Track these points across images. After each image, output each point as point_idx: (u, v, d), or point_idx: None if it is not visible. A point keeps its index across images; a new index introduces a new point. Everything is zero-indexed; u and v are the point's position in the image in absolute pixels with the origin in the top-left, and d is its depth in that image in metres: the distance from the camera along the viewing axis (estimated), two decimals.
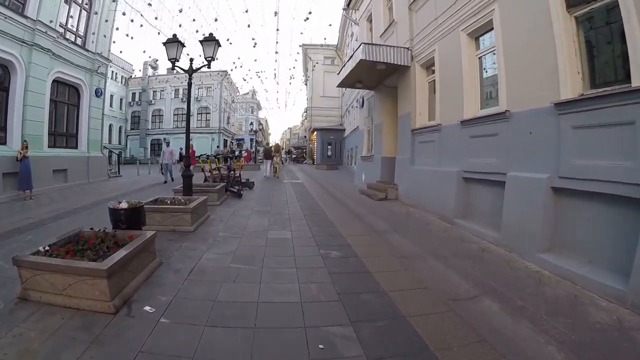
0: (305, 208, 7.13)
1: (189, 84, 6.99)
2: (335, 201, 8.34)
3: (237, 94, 47.28)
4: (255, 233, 5.06)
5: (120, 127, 42.73)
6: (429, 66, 8.10)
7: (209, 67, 6.85)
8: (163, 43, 6.78)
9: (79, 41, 13.29)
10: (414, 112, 8.29)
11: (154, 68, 42.67)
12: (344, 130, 26.32)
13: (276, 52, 14.33)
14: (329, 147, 26.60)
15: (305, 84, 37.28)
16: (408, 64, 8.50)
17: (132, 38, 12.68)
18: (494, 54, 5.44)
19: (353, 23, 22.45)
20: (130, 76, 43.56)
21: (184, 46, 6.91)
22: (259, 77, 14.13)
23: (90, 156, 13.76)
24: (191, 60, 6.87)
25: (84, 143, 13.75)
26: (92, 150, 14.09)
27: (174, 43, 6.67)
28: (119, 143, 42.63)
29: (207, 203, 6.17)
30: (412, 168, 8.20)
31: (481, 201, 5.68)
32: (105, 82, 15.15)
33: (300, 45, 27.94)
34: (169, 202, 5.74)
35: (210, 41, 6.61)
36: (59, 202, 7.88)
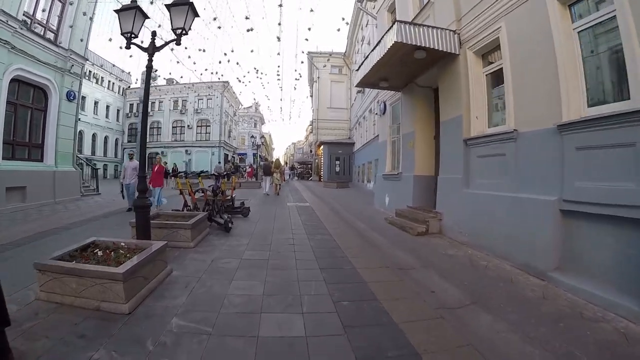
0: (320, 252, 4.78)
1: (149, 68, 4.79)
2: (359, 238, 6.01)
3: (240, 106, 45.59)
4: (238, 319, 2.72)
5: (116, 139, 40.91)
6: (486, 53, 5.96)
7: (178, 44, 4.66)
8: (115, 10, 4.62)
9: (49, 35, 11.31)
10: (467, 115, 6.08)
11: (153, 79, 41.10)
12: (354, 144, 24.18)
13: (278, 54, 12.38)
14: (337, 162, 24.41)
15: (311, 96, 35.47)
16: (455, 51, 6.32)
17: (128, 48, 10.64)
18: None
19: (363, 26, 20.70)
20: (129, 87, 42.09)
21: (147, 17, 4.76)
22: (259, 77, 12.34)
23: (57, 171, 11.56)
24: (153, 34, 4.70)
25: (50, 155, 11.57)
26: (61, 164, 11.90)
27: (130, 11, 4.52)
28: (115, 156, 40.72)
29: (165, 252, 3.85)
30: (466, 192, 5.91)
31: (598, 246, 3.47)
32: (81, 84, 13.10)
33: (306, 54, 26.14)
34: (100, 253, 3.45)
35: (180, 6, 4.44)
36: None
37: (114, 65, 40.08)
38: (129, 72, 42.55)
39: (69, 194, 12.03)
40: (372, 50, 7.18)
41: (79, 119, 34.69)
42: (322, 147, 25.96)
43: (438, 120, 8.07)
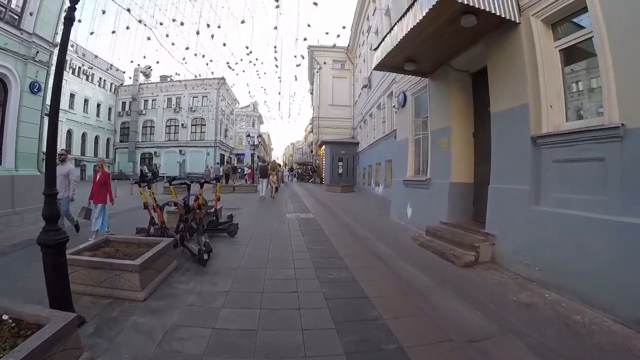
0: (340, 310, 3.06)
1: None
2: (390, 274, 4.31)
3: (237, 104, 43.85)
4: None
5: (108, 139, 39.09)
6: (559, 21, 4.32)
7: None
8: None
9: (9, 18, 9.58)
10: (536, 104, 4.41)
11: (147, 75, 39.32)
12: (358, 144, 22.48)
13: (275, 28, 10.70)
14: (340, 163, 22.71)
15: (311, 93, 33.74)
16: (514, 19, 4.63)
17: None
18: None
19: (370, 15, 18.95)
20: (121, 84, 40.29)
21: None
22: (252, 62, 10.95)
23: (17, 175, 9.80)
24: None
25: (9, 157, 9.78)
26: (23, 167, 10.10)
27: None
28: (107, 156, 38.84)
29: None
30: (536, 210, 4.24)
31: None
32: (48, 74, 11.32)
33: (306, 48, 24.42)
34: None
35: None
36: None
37: (111, 67, 38.36)
38: (123, 71, 40.92)
39: (32, 202, 10.18)
40: (400, 20, 5.45)
41: (69, 119, 33.01)
42: (323, 147, 24.25)
43: (477, 113, 6.44)
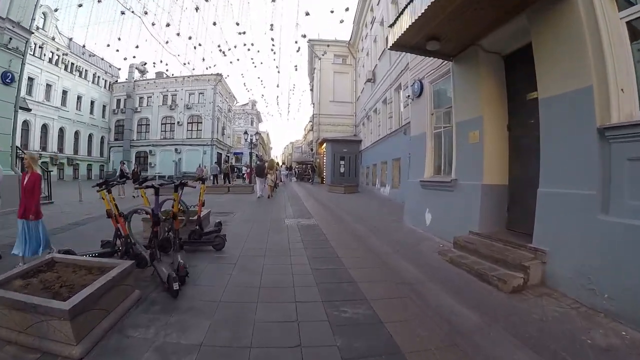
0: None
1: None
2: (414, 297, 3.32)
3: (235, 102, 42.77)
4: None
5: (102, 138, 37.98)
6: None
7: None
8: None
9: None
10: (602, 88, 3.40)
11: (142, 72, 38.25)
12: (360, 142, 21.43)
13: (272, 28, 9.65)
14: (342, 162, 21.67)
15: (311, 90, 32.67)
16: None
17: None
18: None
19: (374, 5, 17.87)
20: (116, 80, 39.17)
21: None
22: (248, 48, 10.10)
23: None
24: None
25: None
26: None
27: None
28: (101, 155, 37.79)
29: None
30: (605, 221, 3.25)
31: None
32: (23, 63, 10.27)
33: (307, 42, 23.35)
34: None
35: None
36: None
37: (109, 65, 37.25)
38: (118, 68, 39.80)
39: (5, 205, 9.24)
40: None
41: (61, 116, 31.86)
42: (324, 144, 23.20)
43: (511, 102, 5.43)
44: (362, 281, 3.74)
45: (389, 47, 5.71)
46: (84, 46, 27.08)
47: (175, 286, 3.13)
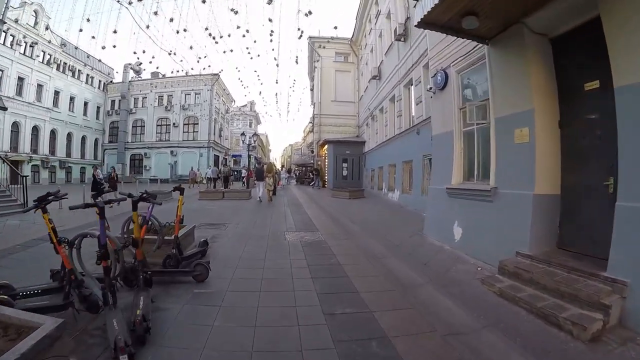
0: None
1: None
2: (466, 352, 2.24)
3: (233, 103, 41.72)
4: None
5: (96, 140, 36.85)
6: None
7: None
8: None
9: None
10: None
11: (137, 72, 37.12)
12: (364, 143, 20.36)
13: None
14: (344, 165, 20.58)
15: (311, 90, 31.63)
16: None
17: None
18: None
19: (377, 0, 16.88)
20: (110, 81, 38.06)
21: None
22: (243, 35, 9.32)
23: None
24: None
25: None
26: None
27: None
28: (94, 157, 36.63)
29: None
30: None
31: None
32: None
33: (307, 38, 22.33)
34: None
35: None
36: None
37: (99, 60, 36.10)
38: (114, 71, 38.73)
39: None
40: None
41: (53, 117, 30.67)
42: (325, 146, 22.11)
43: (563, 95, 4.38)
44: (397, 334, 2.64)
45: (416, 24, 4.61)
46: (76, 48, 26.19)
47: (125, 358, 2.03)
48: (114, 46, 9.06)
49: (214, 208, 10.10)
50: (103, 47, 13.02)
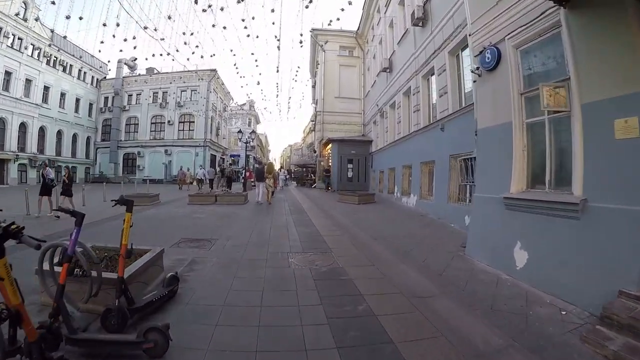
0: None
1: None
2: None
3: (231, 101, 40.20)
4: None
5: (88, 138, 35.22)
6: None
7: None
8: None
9: None
10: None
11: (132, 68, 35.64)
12: (371, 142, 18.88)
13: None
14: (350, 166, 19.10)
15: (313, 86, 30.13)
16: None
17: None
18: None
19: None
20: (104, 77, 36.47)
21: None
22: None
23: None
24: None
25: None
26: None
27: None
28: (86, 157, 35.00)
29: None
30: None
31: None
32: None
33: (310, 31, 20.85)
34: None
35: None
36: None
37: (92, 56, 34.46)
38: (107, 64, 37.15)
39: None
40: None
41: (42, 114, 29.02)
42: (329, 146, 20.62)
43: None
44: None
45: None
46: (65, 37, 24.64)
47: None
48: (102, 42, 7.64)
49: (203, 216, 8.58)
50: (102, 42, 11.90)
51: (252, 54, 10.49)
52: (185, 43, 10.58)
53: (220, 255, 4.77)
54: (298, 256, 4.78)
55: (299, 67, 14.89)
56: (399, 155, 12.79)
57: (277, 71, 12.97)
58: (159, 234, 6.08)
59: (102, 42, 12.00)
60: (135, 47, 12.64)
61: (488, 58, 5.09)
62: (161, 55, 12.42)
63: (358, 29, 21.45)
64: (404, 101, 12.71)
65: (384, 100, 15.32)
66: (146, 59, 24.96)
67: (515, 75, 4.72)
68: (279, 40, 10.65)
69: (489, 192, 4.96)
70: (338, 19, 10.30)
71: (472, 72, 5.60)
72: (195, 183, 21.51)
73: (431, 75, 10.47)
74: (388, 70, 14.66)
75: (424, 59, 10.58)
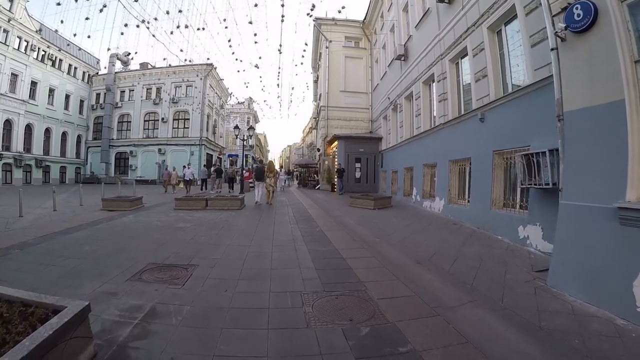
0: None
1: None
2: None
3: (229, 98, 38.49)
4: None
5: (79, 136, 33.44)
6: None
7: None
8: None
9: None
10: None
11: (125, 63, 33.93)
12: (380, 139, 17.26)
13: None
14: (357, 165, 17.48)
15: (315, 81, 28.51)
16: None
17: None
18: None
19: None
20: (96, 73, 34.72)
21: None
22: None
23: None
24: None
25: None
26: None
27: None
28: (77, 156, 33.22)
29: None
30: None
31: None
32: None
33: (313, 20, 19.20)
34: None
35: None
36: None
37: (84, 51, 32.74)
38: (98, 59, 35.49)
39: None
40: None
41: (28, 111, 27.08)
42: (335, 143, 18.97)
43: None
44: None
45: None
46: (56, 31, 23.05)
47: None
48: (89, 36, 6.13)
49: (188, 226, 6.91)
50: (88, 36, 10.41)
51: (250, 22, 8.83)
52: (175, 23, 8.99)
53: (197, 299, 3.11)
54: (318, 301, 3.10)
55: (306, 45, 13.29)
56: (419, 152, 11.15)
57: (279, 51, 11.12)
58: (120, 257, 4.43)
59: (88, 37, 10.64)
60: (122, 33, 11.07)
61: (578, 16, 3.49)
62: (152, 47, 10.92)
63: (365, 18, 19.87)
64: (424, 91, 11.09)
65: (398, 92, 13.69)
66: (136, 53, 23.28)
67: (625, 37, 3.13)
68: (283, 15, 9.01)
69: (587, 200, 3.36)
70: (343, 7, 9.00)
71: (557, 33, 3.95)
72: (182, 185, 19.03)
73: (461, 58, 8.86)
74: (402, 58, 13.04)
75: (451, 39, 8.97)
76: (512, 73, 7.09)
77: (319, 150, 23.37)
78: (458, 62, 9.10)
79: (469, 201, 8.06)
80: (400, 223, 7.87)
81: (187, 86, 30.36)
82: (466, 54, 8.45)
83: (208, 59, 21.01)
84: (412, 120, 12.21)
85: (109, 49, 14.69)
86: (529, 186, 5.61)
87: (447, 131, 9.12)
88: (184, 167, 20.60)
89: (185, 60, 19.30)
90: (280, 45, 10.23)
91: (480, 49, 7.72)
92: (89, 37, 10.61)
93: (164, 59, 22.57)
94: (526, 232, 5.83)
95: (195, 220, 7.64)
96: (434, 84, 10.32)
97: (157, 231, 6.27)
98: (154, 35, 11.28)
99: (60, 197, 14.19)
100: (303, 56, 12.44)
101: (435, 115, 10.02)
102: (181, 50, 12.45)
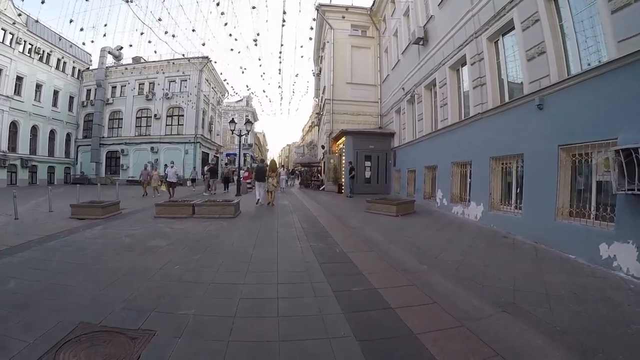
0: None
1: None
2: None
3: (227, 94, 36.81)
4: None
5: (68, 135, 31.73)
6: None
7: None
8: None
9: None
10: None
11: (117, 58, 32.25)
12: (392, 135, 15.69)
13: None
14: (367, 164, 15.90)
15: (318, 74, 26.87)
16: None
17: None
18: None
19: None
20: (87, 68, 33.01)
21: None
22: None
23: None
24: None
25: None
26: None
27: None
28: (66, 155, 31.52)
29: None
30: None
31: None
32: None
33: (316, 7, 17.56)
34: None
35: None
36: None
37: (71, 46, 31.04)
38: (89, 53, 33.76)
39: None
40: None
41: (13, 107, 25.23)
42: (342, 139, 17.37)
43: None
44: None
45: None
46: (37, 21, 21.38)
47: None
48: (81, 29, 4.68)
49: (164, 244, 5.27)
50: (81, 29, 9.09)
51: (254, 7, 7.25)
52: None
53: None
54: None
55: (312, 28, 11.85)
56: (445, 148, 9.57)
57: (283, 24, 9.45)
58: (43, 306, 2.83)
59: (81, 29, 9.23)
60: (105, 25, 9.70)
61: None
62: (142, 34, 9.40)
63: (373, 5, 18.29)
64: (451, 77, 9.50)
65: (416, 81, 12.11)
66: (130, 46, 21.56)
67: None
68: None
69: None
70: (352, 5, 7.87)
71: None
72: (163, 187, 16.20)
73: (503, 35, 7.29)
74: (422, 42, 11.45)
75: (491, 12, 7.40)
76: (581, 49, 5.54)
77: (323, 147, 21.75)
78: (498, 40, 7.53)
79: (518, 207, 6.51)
80: (438, 237, 6.27)
81: (181, 80, 28.73)
82: (511, 29, 6.89)
83: (203, 44, 19.23)
84: (434, 112, 10.64)
85: (92, 41, 13.14)
86: (628, 192, 4.08)
87: (486, 122, 7.55)
88: (166, 165, 17.86)
89: (177, 47, 17.76)
90: (284, 13, 8.51)
91: (533, 20, 6.15)
92: (70, 20, 9.13)
93: (155, 52, 21.05)
94: (612, 250, 4.35)
95: (175, 235, 6.02)
96: (464, 68, 8.75)
97: (117, 254, 4.65)
98: (138, 18, 9.71)
99: (36, 200, 12.60)
100: (312, 28, 10.61)
101: (469, 104, 8.42)
102: (173, 36, 11.14)
